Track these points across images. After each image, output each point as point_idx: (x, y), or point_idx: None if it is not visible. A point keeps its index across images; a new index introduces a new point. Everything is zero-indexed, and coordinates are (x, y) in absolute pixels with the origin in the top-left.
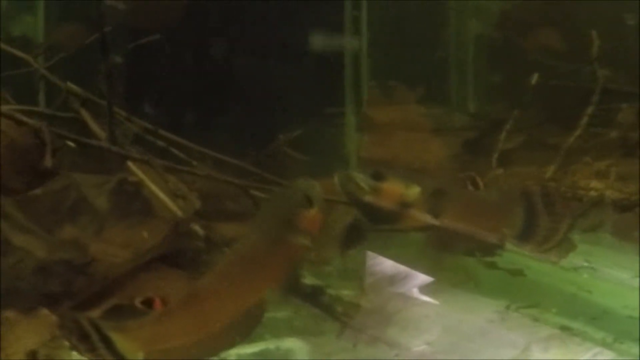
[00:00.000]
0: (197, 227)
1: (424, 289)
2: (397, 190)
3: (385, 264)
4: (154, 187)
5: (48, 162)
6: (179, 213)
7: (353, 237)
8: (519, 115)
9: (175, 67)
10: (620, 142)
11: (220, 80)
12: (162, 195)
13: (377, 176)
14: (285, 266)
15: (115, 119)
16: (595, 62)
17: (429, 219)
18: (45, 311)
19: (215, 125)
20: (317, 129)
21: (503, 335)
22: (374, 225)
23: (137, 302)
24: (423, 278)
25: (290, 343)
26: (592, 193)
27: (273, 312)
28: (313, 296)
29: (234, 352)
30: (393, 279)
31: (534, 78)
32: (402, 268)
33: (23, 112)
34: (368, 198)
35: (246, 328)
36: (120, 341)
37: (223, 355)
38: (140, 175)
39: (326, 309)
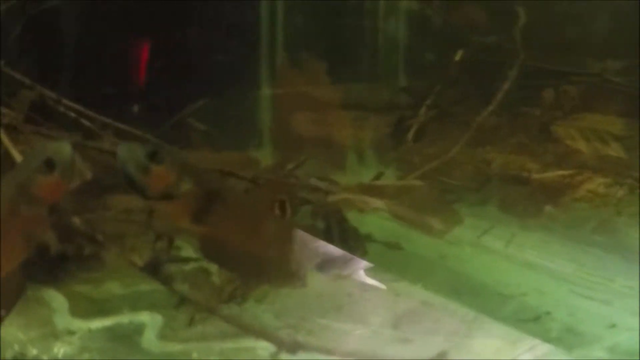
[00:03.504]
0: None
1: None
2: (167, 178)
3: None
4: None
5: None
6: None
7: None
8: (441, 91)
9: (87, 36)
10: (538, 120)
11: (134, 49)
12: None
13: (153, 156)
14: (25, 239)
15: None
16: (517, 38)
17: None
18: None
19: (128, 95)
20: (232, 101)
21: (357, 310)
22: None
23: None
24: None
25: (144, 317)
26: (503, 169)
27: (135, 286)
28: (153, 269)
29: (85, 325)
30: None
31: (459, 54)
32: None
33: None
34: (138, 175)
35: (8, 301)
36: None
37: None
38: (6, 143)
39: (165, 281)
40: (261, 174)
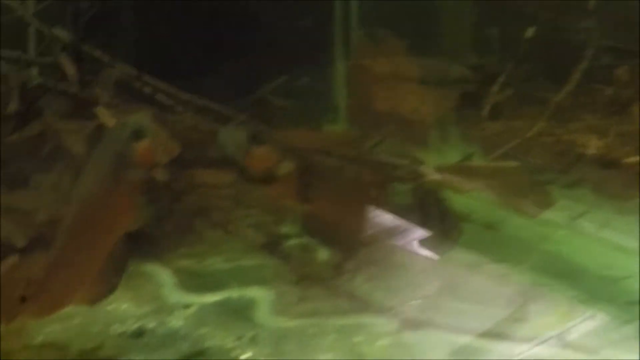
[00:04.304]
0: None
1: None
2: (269, 159)
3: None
4: None
5: (13, 106)
6: None
7: None
8: (513, 68)
9: (165, 14)
10: (613, 100)
11: (209, 26)
12: None
13: (255, 139)
14: (130, 203)
15: (98, 64)
16: (592, 17)
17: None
18: None
19: (204, 72)
20: (308, 77)
21: (468, 289)
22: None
23: None
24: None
25: (254, 292)
26: (590, 150)
27: (241, 260)
28: (272, 246)
29: (197, 300)
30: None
31: (530, 31)
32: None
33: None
34: (240, 157)
35: (114, 276)
36: None
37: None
38: (108, 121)
39: (284, 258)
40: (343, 150)
